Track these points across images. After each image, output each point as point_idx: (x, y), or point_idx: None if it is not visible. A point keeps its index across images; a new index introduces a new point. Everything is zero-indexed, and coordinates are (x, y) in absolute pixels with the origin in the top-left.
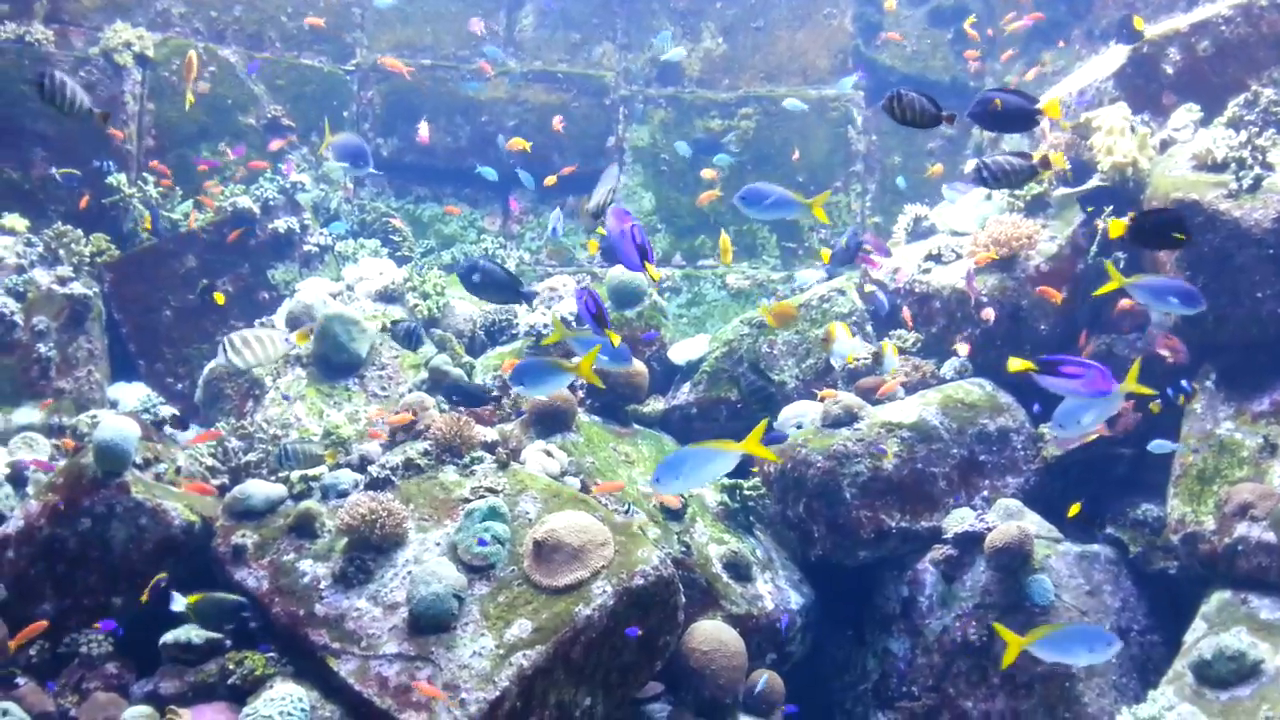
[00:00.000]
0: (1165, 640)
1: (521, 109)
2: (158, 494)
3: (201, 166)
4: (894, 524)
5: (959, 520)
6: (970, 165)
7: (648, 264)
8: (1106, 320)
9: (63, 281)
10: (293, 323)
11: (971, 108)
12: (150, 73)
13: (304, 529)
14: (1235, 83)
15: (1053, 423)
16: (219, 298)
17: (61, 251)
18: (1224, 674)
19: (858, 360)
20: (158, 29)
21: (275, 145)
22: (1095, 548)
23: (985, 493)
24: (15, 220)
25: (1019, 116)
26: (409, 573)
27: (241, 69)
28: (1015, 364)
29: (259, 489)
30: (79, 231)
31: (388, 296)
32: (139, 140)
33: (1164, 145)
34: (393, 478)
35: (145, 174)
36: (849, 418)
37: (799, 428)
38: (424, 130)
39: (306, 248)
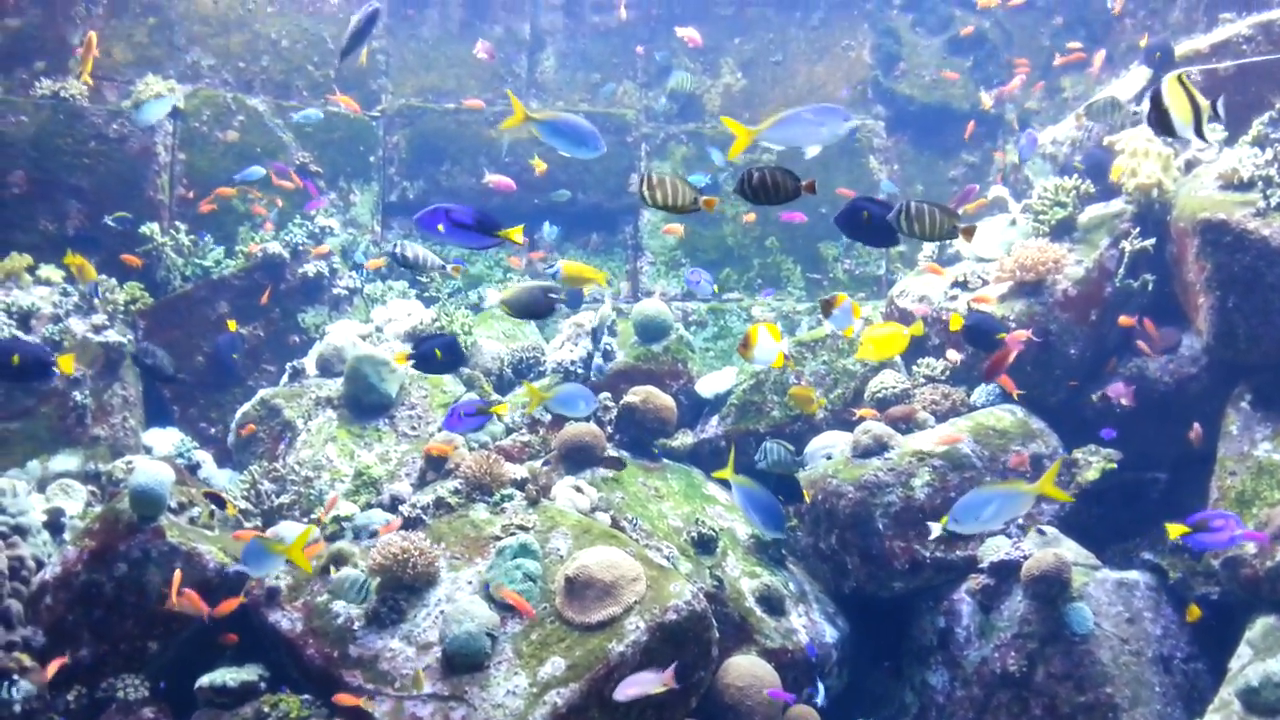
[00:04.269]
0: (1210, 668)
1: (544, 148)
2: (192, 538)
3: (224, 193)
4: (928, 554)
5: (995, 549)
6: (995, 192)
7: (502, 232)
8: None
9: (98, 329)
10: (323, 365)
11: (839, 215)
12: (181, 124)
13: (337, 569)
14: (1258, 101)
15: (951, 516)
16: (231, 325)
17: (96, 300)
18: (1272, 701)
19: (885, 389)
20: (188, 81)
21: (313, 208)
22: (1134, 574)
23: (1021, 520)
24: (51, 271)
25: (885, 231)
26: (441, 612)
27: (270, 117)
28: (1174, 530)
29: (291, 532)
30: (113, 280)
31: (416, 337)
32: (171, 190)
33: (1189, 166)
34: (424, 517)
35: (177, 223)
36: (879, 447)
37: (829, 458)
38: (481, 48)
39: (336, 291)
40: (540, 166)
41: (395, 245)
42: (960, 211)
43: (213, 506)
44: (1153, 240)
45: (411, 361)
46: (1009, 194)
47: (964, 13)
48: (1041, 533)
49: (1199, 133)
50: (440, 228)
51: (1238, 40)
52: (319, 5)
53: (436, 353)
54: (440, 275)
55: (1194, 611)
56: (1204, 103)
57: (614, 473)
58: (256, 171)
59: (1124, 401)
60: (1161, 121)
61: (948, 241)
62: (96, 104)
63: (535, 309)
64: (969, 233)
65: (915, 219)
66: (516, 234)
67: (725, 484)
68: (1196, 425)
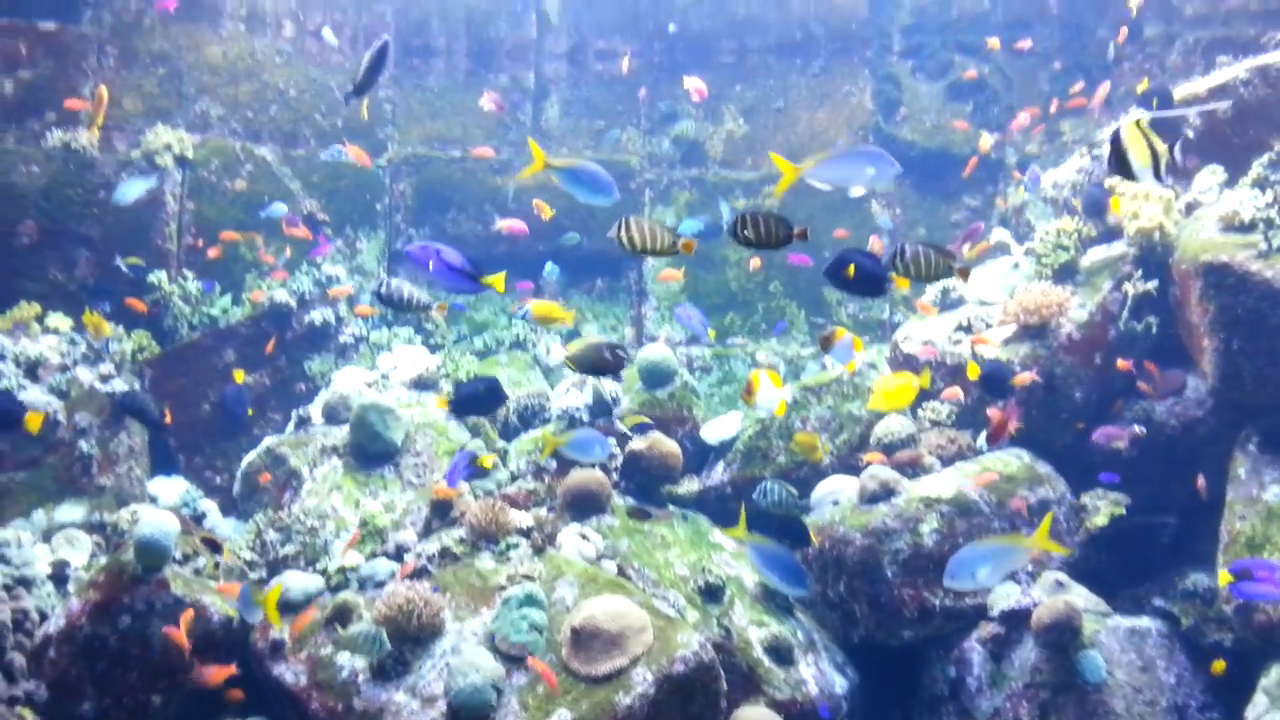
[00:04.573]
0: (1226, 717)
1: (549, 195)
2: (197, 589)
3: (228, 236)
4: (938, 602)
5: (1004, 596)
6: (997, 236)
7: (484, 278)
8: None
9: (105, 379)
10: (329, 413)
11: (827, 266)
12: (190, 173)
13: (342, 621)
14: (1257, 143)
15: (947, 573)
16: (238, 375)
17: (114, 347)
18: None
19: (891, 434)
20: (197, 130)
21: (318, 254)
22: (1146, 621)
23: (1030, 566)
24: (59, 320)
25: (871, 282)
26: (447, 663)
27: (278, 166)
28: (1224, 578)
29: (297, 582)
30: (121, 329)
31: (422, 384)
32: (179, 238)
33: (1190, 208)
34: (429, 566)
35: (185, 271)
36: (886, 493)
37: (835, 504)
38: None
39: (342, 338)
40: (547, 212)
41: (381, 284)
42: (965, 249)
43: (217, 558)
44: (1155, 283)
45: (452, 405)
46: (1011, 237)
47: (963, 58)
48: (1060, 585)
49: (1157, 176)
50: (431, 265)
51: (1235, 83)
52: (326, 55)
53: (479, 393)
54: (425, 314)
55: (1218, 666)
56: (1162, 147)
57: (621, 521)
58: (280, 209)
59: (1118, 445)
60: (1121, 165)
61: (947, 284)
62: (106, 154)
63: (601, 365)
64: (965, 273)
65: (912, 260)
66: (499, 282)
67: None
68: (1201, 478)
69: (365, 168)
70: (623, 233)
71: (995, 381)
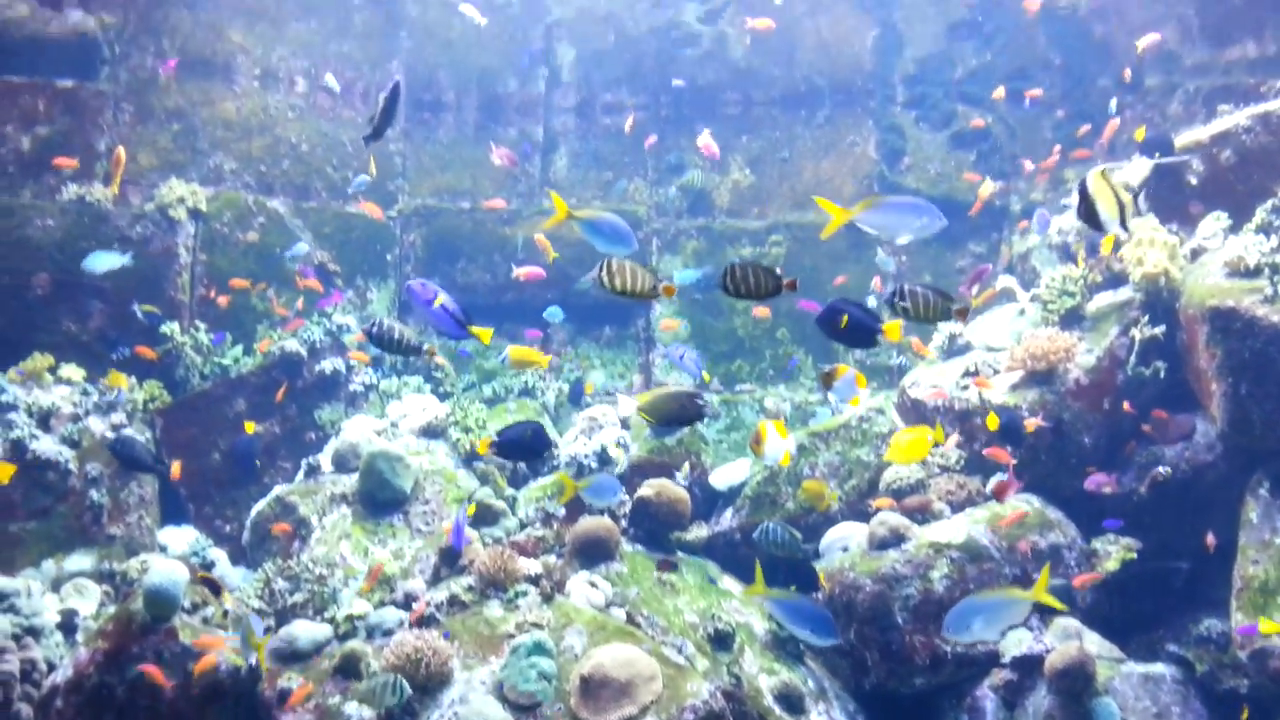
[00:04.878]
0: None
1: (557, 244)
2: (205, 639)
3: (238, 284)
4: (949, 649)
5: (1016, 643)
6: (1003, 282)
7: (472, 327)
8: (1155, 431)
9: (116, 429)
10: (339, 461)
11: (819, 316)
12: (203, 225)
13: (349, 670)
14: (1260, 189)
15: (945, 626)
16: (249, 426)
17: (124, 398)
18: None
19: (900, 479)
20: (210, 184)
21: (327, 305)
22: (1160, 667)
23: (1041, 613)
24: (72, 370)
25: (863, 333)
26: (455, 713)
27: (290, 218)
28: (1271, 628)
29: (305, 631)
30: (133, 379)
31: (431, 432)
32: (191, 289)
33: (1195, 254)
34: (437, 614)
35: (198, 322)
36: (896, 539)
37: (845, 550)
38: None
39: (352, 387)
40: (550, 252)
41: (373, 324)
42: (972, 290)
43: (225, 606)
44: (1162, 328)
45: (494, 449)
46: (1017, 283)
47: (966, 108)
48: (1073, 631)
49: (1124, 225)
50: (438, 302)
51: (1237, 131)
52: (338, 110)
53: (524, 437)
54: (416, 357)
55: (1245, 716)
56: (1126, 197)
57: (630, 568)
58: (302, 248)
59: (1106, 490)
60: (1089, 215)
61: (954, 330)
62: (121, 207)
63: (679, 416)
64: (963, 313)
65: (911, 301)
66: (485, 335)
67: (745, 579)
68: (1210, 535)
69: (376, 220)
70: (604, 275)
71: (1013, 432)
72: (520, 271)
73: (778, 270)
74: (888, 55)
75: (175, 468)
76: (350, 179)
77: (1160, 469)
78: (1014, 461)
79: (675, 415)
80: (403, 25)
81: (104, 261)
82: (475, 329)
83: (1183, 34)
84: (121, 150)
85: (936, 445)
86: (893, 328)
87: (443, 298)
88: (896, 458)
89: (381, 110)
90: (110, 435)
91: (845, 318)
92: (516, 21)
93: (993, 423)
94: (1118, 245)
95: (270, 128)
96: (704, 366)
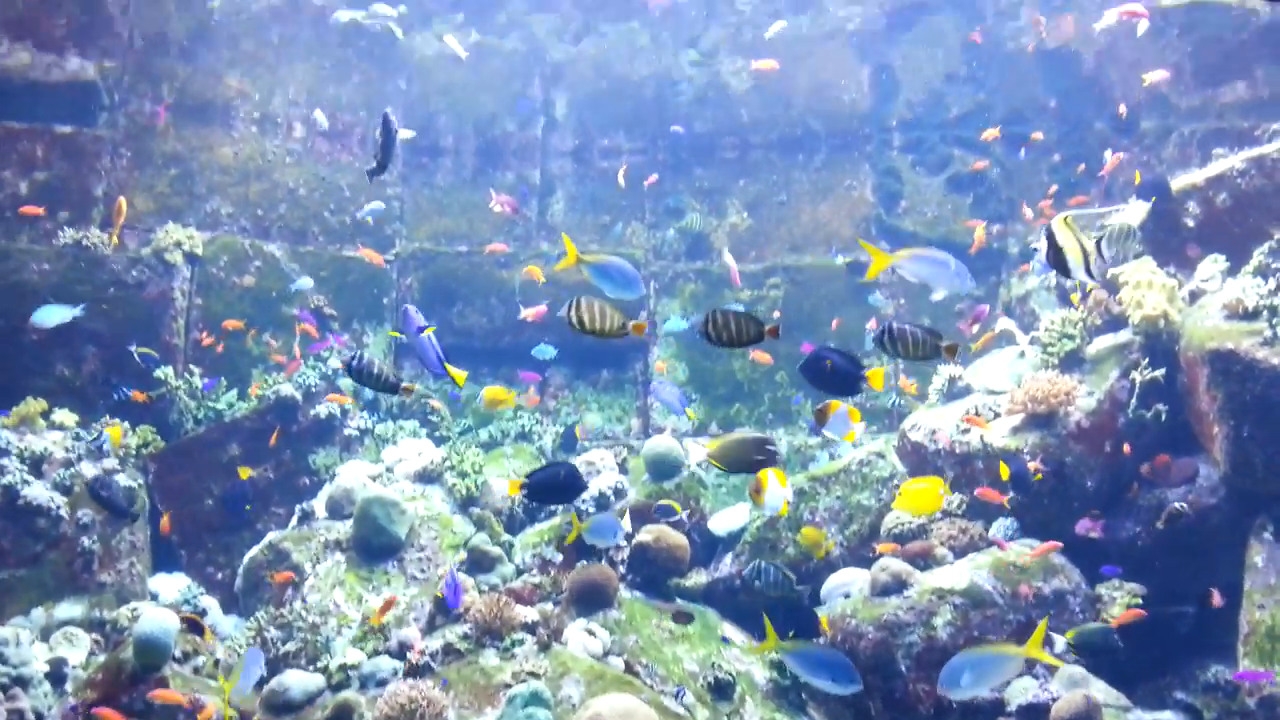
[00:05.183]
0: None
1: (555, 288)
2: (196, 688)
3: (231, 324)
4: (954, 697)
5: (1021, 691)
6: (1002, 325)
7: (448, 366)
8: (1153, 473)
9: (109, 474)
10: (333, 507)
11: (802, 364)
12: (199, 269)
13: None
14: (1257, 231)
15: (940, 679)
16: (244, 472)
17: (108, 445)
18: None
19: (902, 524)
20: (207, 228)
21: (319, 349)
22: (1168, 715)
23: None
24: (65, 415)
25: (846, 380)
26: None
27: (286, 262)
28: None
29: (297, 681)
30: (126, 424)
31: (426, 477)
32: (186, 334)
33: (1193, 296)
34: (432, 664)
35: (192, 366)
36: (898, 585)
37: (847, 596)
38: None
39: (347, 432)
40: (539, 278)
41: (353, 357)
42: (973, 331)
43: (218, 656)
44: (1163, 370)
45: (525, 491)
46: (1016, 326)
47: (963, 152)
48: (1079, 678)
49: (1089, 272)
50: (430, 334)
51: (1232, 174)
52: (336, 155)
53: (557, 479)
54: (392, 394)
55: None
56: (1089, 245)
57: (628, 615)
58: (306, 283)
59: (1092, 535)
60: (1058, 261)
61: (954, 373)
62: (117, 251)
63: (749, 462)
64: (951, 351)
65: (899, 339)
66: (460, 378)
67: (745, 626)
68: (1216, 595)
69: (374, 264)
70: (572, 312)
71: (1023, 481)
72: (528, 313)
73: (776, 314)
74: (883, 99)
75: (165, 520)
76: (348, 223)
77: (1177, 504)
78: (1008, 503)
79: (747, 461)
80: (401, 70)
81: (53, 315)
82: (452, 370)
83: (1176, 77)
84: (123, 202)
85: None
86: (875, 375)
87: (430, 330)
88: (906, 508)
89: (381, 145)
90: (128, 498)
91: (829, 363)
92: (514, 66)
93: (1004, 472)
94: (1084, 292)
95: (268, 172)
96: (689, 404)
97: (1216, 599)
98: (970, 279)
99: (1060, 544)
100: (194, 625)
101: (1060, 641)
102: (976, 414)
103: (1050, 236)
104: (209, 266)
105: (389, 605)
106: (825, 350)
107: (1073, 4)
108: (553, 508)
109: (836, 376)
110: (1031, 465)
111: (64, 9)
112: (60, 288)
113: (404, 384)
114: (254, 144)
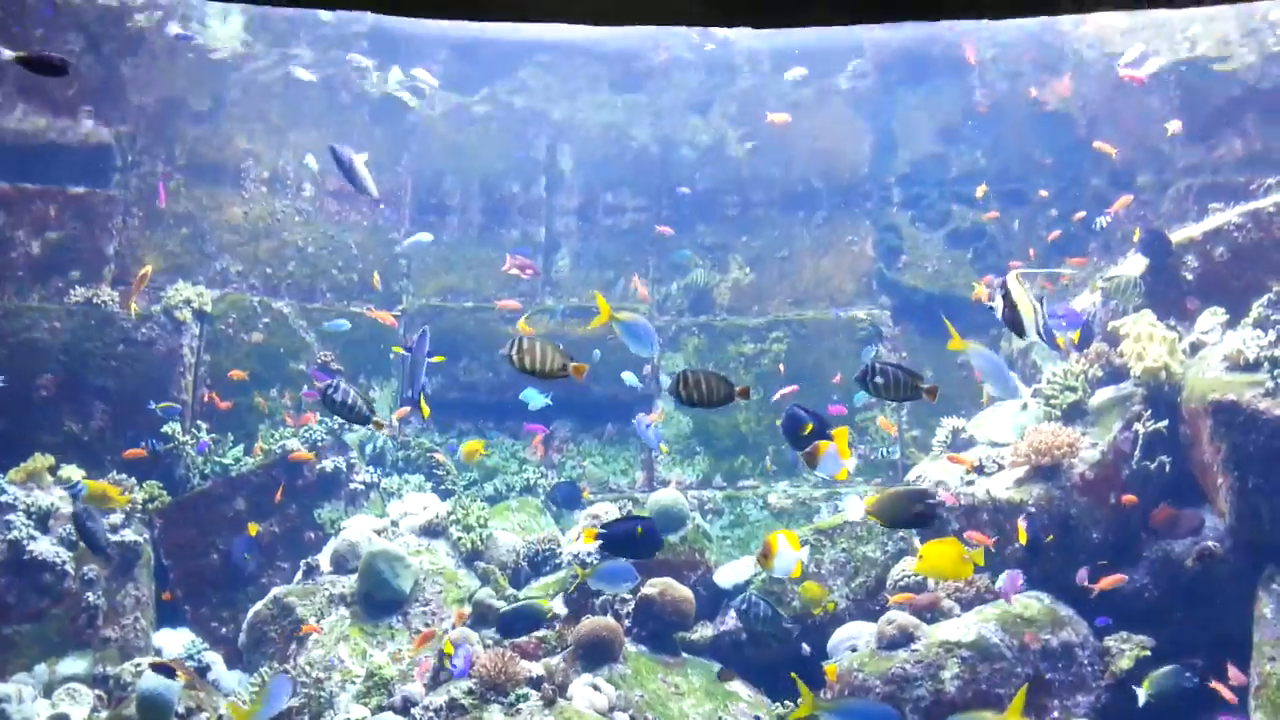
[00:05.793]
0: None
1: (561, 342)
2: None
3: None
4: None
5: None
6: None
7: (422, 398)
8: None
9: (114, 529)
10: (338, 561)
11: (783, 424)
12: (208, 326)
13: None
14: (1255, 284)
15: None
16: (253, 528)
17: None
18: None
19: (909, 576)
20: (216, 286)
21: (307, 419)
22: None
23: (1055, 714)
24: (73, 471)
25: (817, 438)
26: None
27: (294, 319)
28: None
29: None
30: (132, 479)
31: (432, 531)
32: (194, 391)
33: (1194, 348)
34: None
35: (199, 422)
36: (905, 638)
37: (854, 650)
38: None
39: (353, 486)
40: (527, 328)
41: (330, 385)
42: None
43: (221, 713)
44: (1165, 422)
45: (600, 542)
46: (1018, 379)
47: (961, 208)
48: None
49: (1039, 331)
50: (439, 359)
51: (1229, 228)
52: (345, 214)
53: (633, 535)
54: (363, 425)
55: None
56: (1037, 305)
57: (634, 669)
58: (341, 324)
59: (1083, 584)
60: (1013, 320)
61: (957, 425)
62: (128, 309)
63: (907, 517)
64: (932, 392)
65: (883, 378)
66: (425, 412)
67: (749, 680)
68: (1226, 691)
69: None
70: (514, 353)
71: (1036, 544)
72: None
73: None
74: (883, 157)
75: (167, 595)
76: (355, 280)
77: (1210, 543)
78: (992, 543)
79: (906, 516)
80: (410, 132)
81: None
82: (422, 403)
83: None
84: (148, 270)
85: (977, 568)
86: (840, 434)
87: (440, 359)
88: (928, 571)
89: (346, 176)
90: (109, 537)
91: (810, 427)
92: (520, 126)
93: (1022, 537)
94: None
95: (277, 231)
96: (662, 440)
97: (1229, 696)
98: (1017, 391)
99: (1124, 577)
100: (168, 671)
101: (1141, 694)
102: (983, 468)
103: (1006, 295)
104: (218, 324)
105: (425, 639)
106: (797, 408)
107: (1068, 65)
108: (559, 560)
109: (815, 436)
110: (1020, 528)
111: (79, 73)
112: (70, 346)
113: (374, 418)
114: (264, 204)
